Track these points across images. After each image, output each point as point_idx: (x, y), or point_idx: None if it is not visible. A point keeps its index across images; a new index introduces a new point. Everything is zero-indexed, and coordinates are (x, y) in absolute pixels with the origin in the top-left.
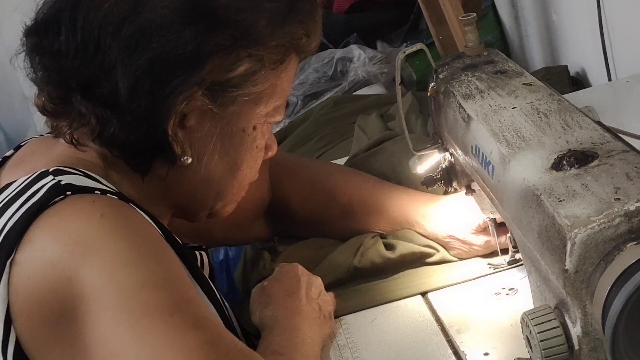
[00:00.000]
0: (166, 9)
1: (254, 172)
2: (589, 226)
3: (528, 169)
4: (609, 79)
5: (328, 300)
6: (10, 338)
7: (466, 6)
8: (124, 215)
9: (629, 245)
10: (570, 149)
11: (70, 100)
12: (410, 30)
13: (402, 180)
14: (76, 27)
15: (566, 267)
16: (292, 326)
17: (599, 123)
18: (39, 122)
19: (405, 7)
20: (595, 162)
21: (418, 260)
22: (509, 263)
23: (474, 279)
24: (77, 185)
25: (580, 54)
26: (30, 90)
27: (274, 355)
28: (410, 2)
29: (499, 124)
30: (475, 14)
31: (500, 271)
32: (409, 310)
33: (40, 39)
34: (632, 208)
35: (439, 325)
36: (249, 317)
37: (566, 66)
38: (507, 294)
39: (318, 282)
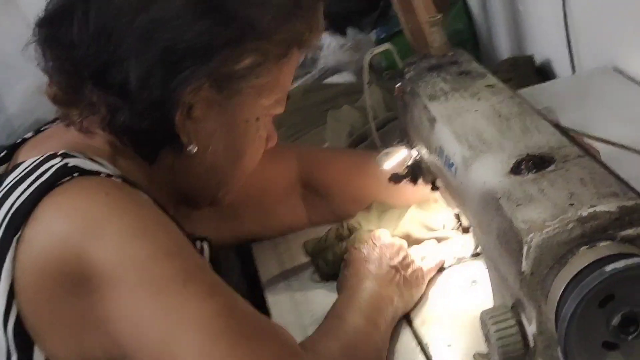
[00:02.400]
0: (179, 1)
1: (255, 161)
2: (544, 230)
3: (488, 172)
4: (573, 71)
5: (411, 263)
6: (12, 312)
7: None
8: (127, 193)
9: (581, 249)
10: (528, 154)
11: (81, 90)
12: (381, 17)
13: None
14: (89, 18)
15: (522, 269)
16: (357, 288)
17: (557, 126)
18: (11, 105)
19: None
20: (552, 167)
21: None
22: (473, 255)
23: (438, 271)
24: (84, 168)
25: (545, 44)
26: None
27: (331, 319)
28: None
29: (462, 126)
30: (440, 15)
31: (463, 263)
32: None
33: (53, 29)
34: (584, 214)
35: (403, 317)
36: None
37: (532, 56)
38: (470, 286)
39: (399, 246)
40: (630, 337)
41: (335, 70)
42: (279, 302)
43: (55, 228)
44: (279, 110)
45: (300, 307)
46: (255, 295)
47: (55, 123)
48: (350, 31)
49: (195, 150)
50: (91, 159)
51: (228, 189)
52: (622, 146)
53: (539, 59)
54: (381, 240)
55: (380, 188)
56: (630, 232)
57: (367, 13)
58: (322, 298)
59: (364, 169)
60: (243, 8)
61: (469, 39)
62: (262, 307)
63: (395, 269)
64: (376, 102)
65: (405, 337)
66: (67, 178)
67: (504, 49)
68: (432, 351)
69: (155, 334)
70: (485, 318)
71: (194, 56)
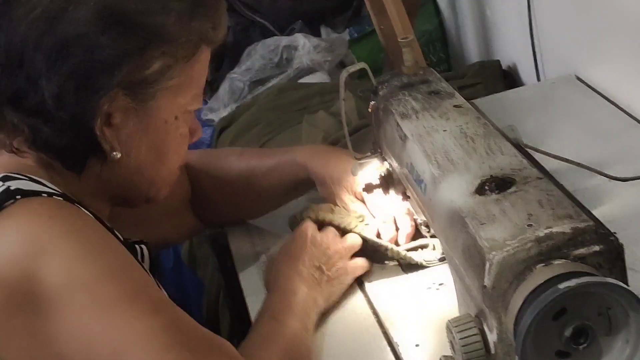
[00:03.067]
0: (81, 20)
1: (181, 157)
2: (505, 249)
3: (455, 191)
4: (538, 79)
5: (334, 261)
6: None
7: None
8: (69, 214)
9: (538, 266)
10: (491, 175)
11: (3, 114)
12: (353, 16)
13: None
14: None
15: (485, 284)
16: (289, 289)
17: (519, 147)
18: None
19: None
20: (513, 189)
21: None
22: (440, 260)
23: (407, 273)
24: (25, 190)
25: (511, 50)
26: None
27: (267, 320)
28: None
29: (431, 145)
30: (412, 37)
31: (431, 266)
32: (347, 302)
33: None
34: (541, 234)
35: (375, 317)
36: None
37: (498, 61)
38: (437, 289)
39: (326, 242)
40: (581, 347)
41: (309, 70)
42: (253, 285)
43: (3, 251)
44: (197, 105)
45: None
46: (230, 286)
47: None
48: (323, 30)
49: (119, 156)
50: (31, 179)
51: (159, 186)
52: (578, 164)
53: (505, 62)
54: (310, 234)
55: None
56: (582, 251)
57: (340, 12)
58: None
59: (229, 169)
60: (145, 17)
61: (438, 39)
62: (238, 294)
63: (321, 270)
64: (349, 109)
65: (377, 337)
66: (10, 201)
67: (472, 50)
68: (401, 350)
69: (105, 351)
70: (451, 326)
71: (103, 69)
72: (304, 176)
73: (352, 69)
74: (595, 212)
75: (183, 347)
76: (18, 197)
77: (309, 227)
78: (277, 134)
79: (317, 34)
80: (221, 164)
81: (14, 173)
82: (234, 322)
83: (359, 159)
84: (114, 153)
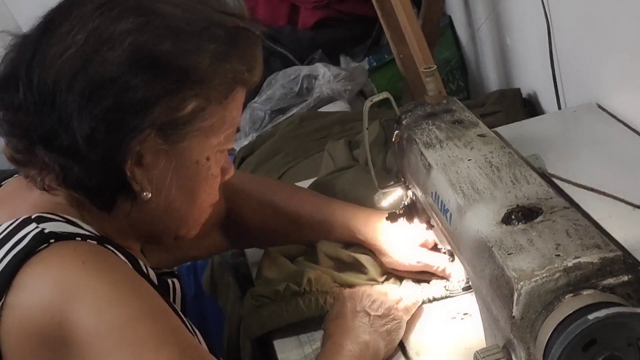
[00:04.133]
0: (114, 61)
1: (213, 196)
2: (533, 279)
3: (481, 221)
4: (559, 107)
5: (381, 314)
6: None
7: (425, 26)
8: (103, 260)
9: (567, 296)
10: (518, 205)
11: (34, 151)
12: (373, 45)
13: (360, 199)
14: (32, 83)
15: (513, 314)
16: (336, 343)
17: (544, 176)
18: None
19: (368, 23)
20: (540, 218)
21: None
22: (464, 289)
23: (431, 302)
24: (59, 233)
25: (532, 78)
26: None
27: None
28: (373, 19)
29: (456, 174)
30: (435, 67)
31: (455, 296)
32: None
33: (2, 94)
34: (570, 264)
35: (400, 347)
36: None
37: (519, 89)
38: (461, 319)
39: (369, 300)
40: None
41: (329, 99)
42: None
43: (36, 295)
44: (229, 145)
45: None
46: None
47: (14, 177)
48: (342, 59)
49: (149, 196)
50: (64, 219)
51: (190, 225)
52: (602, 192)
53: (525, 91)
54: (361, 291)
55: (286, 224)
56: (611, 281)
57: (360, 41)
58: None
59: (275, 206)
60: (178, 58)
61: (457, 68)
62: None
63: (380, 317)
64: (374, 142)
65: None
66: (44, 245)
67: (492, 79)
68: None
69: None
70: (479, 357)
71: (135, 110)
72: (356, 241)
73: (376, 98)
74: (620, 241)
75: None
76: (52, 240)
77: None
78: (297, 162)
79: (336, 63)
80: (269, 196)
81: (48, 213)
82: (255, 352)
83: (383, 188)
84: (145, 193)
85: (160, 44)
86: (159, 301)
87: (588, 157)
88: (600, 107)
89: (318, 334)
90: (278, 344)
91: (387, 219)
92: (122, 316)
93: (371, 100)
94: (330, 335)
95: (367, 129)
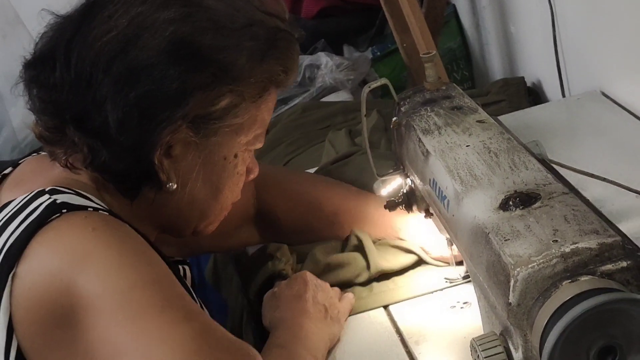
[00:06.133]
0: (153, 49)
1: (235, 194)
2: (530, 265)
3: (479, 207)
4: (563, 95)
5: (335, 303)
6: (13, 345)
7: (429, 15)
8: (113, 227)
9: (564, 283)
10: (516, 190)
11: (64, 130)
12: (376, 35)
13: (369, 183)
14: (70, 63)
15: (510, 301)
16: (296, 324)
17: (543, 162)
18: (15, 118)
19: (371, 13)
20: (538, 204)
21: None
22: (464, 278)
23: (432, 292)
24: (72, 204)
25: (536, 67)
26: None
27: (277, 348)
28: (376, 9)
29: (454, 161)
30: (434, 52)
31: (455, 285)
32: (371, 322)
33: (37, 72)
34: (567, 250)
35: (399, 336)
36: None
37: (523, 78)
38: (461, 307)
39: (326, 287)
40: None
41: (332, 89)
42: None
43: (46, 264)
44: (258, 145)
45: None
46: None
47: (31, 156)
48: (346, 49)
49: (174, 187)
50: (78, 194)
51: (209, 221)
52: (604, 179)
53: (529, 79)
54: (310, 279)
55: (323, 220)
56: (609, 267)
57: (363, 31)
58: None
59: (312, 201)
60: (217, 53)
61: (461, 57)
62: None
63: (325, 309)
64: (374, 127)
65: (401, 357)
66: (56, 215)
67: (496, 67)
68: None
69: (134, 356)
70: (476, 344)
71: (169, 101)
72: (392, 239)
73: (374, 84)
74: (622, 228)
75: (210, 356)
76: (64, 210)
77: (307, 272)
78: (300, 152)
79: (340, 53)
80: (304, 191)
81: (63, 187)
82: (258, 343)
83: (381, 176)
84: (170, 184)
85: (201, 37)
86: (165, 269)
87: (592, 144)
88: (604, 94)
89: None
90: None
91: (385, 207)
92: (129, 280)
93: (369, 87)
94: (288, 316)
95: (365, 115)
